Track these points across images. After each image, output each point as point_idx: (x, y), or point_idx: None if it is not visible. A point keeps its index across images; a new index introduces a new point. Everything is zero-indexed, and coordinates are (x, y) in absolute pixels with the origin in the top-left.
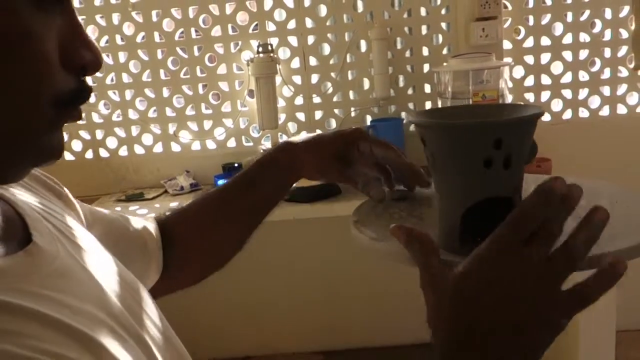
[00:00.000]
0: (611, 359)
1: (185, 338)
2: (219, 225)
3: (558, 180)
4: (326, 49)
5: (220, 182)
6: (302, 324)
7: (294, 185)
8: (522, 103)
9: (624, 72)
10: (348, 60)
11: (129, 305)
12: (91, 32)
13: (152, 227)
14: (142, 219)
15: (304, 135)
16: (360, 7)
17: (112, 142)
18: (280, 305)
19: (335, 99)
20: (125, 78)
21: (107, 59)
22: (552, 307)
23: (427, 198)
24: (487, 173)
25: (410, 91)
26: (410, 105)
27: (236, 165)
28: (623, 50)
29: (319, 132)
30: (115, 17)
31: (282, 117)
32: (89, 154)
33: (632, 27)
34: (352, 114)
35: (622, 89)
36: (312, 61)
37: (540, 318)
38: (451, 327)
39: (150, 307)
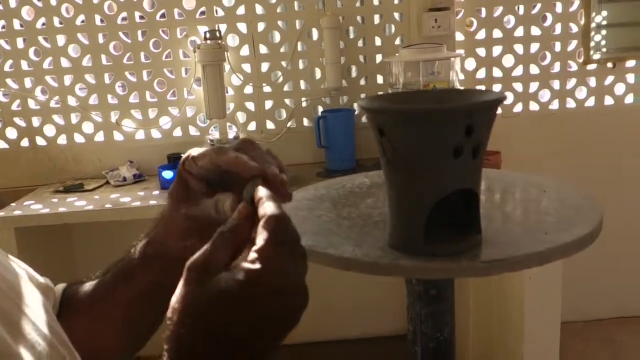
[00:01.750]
0: (556, 349)
1: None
2: (91, 329)
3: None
4: (276, 36)
5: (165, 172)
6: None
7: None
8: (474, 88)
9: (573, 67)
10: (299, 48)
11: (4, 313)
12: (26, 13)
13: (56, 294)
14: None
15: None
16: None
17: (49, 130)
18: None
19: (285, 88)
20: (64, 62)
21: (44, 43)
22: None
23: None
24: (456, 163)
25: (362, 82)
26: (363, 96)
27: (182, 155)
28: (573, 45)
29: None
30: None
31: (230, 106)
32: (25, 142)
33: (582, 22)
34: (303, 104)
35: (571, 83)
36: (262, 49)
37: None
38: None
39: (35, 313)
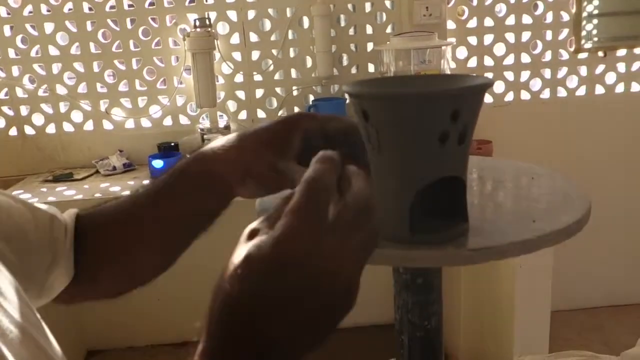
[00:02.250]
0: (546, 338)
1: (123, 323)
2: (130, 245)
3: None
4: (267, 24)
5: (155, 162)
6: None
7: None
8: (462, 74)
9: (564, 55)
10: (290, 37)
11: None
12: (13, 0)
13: (67, 220)
14: (59, 211)
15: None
16: None
17: (38, 119)
18: None
19: (276, 77)
20: (52, 50)
21: (31, 30)
22: (355, 289)
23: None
24: (442, 149)
25: (354, 70)
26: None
27: (172, 144)
28: (564, 33)
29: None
30: None
31: (221, 94)
32: (13, 131)
33: (573, 10)
34: (294, 93)
35: (562, 71)
36: (253, 37)
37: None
38: (225, 315)
39: (5, 299)
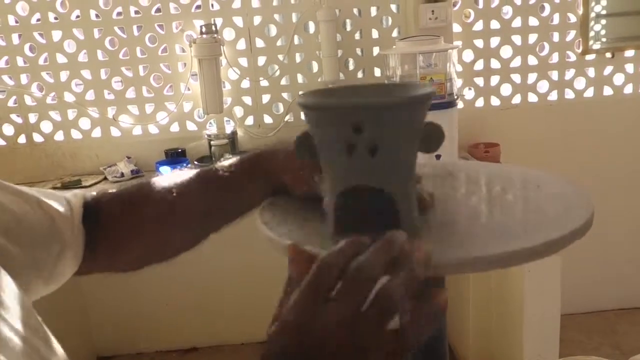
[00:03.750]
0: (556, 341)
1: (132, 329)
2: (167, 223)
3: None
4: (273, 30)
5: (163, 168)
6: (251, 315)
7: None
8: (421, 83)
9: (572, 57)
10: (296, 42)
11: None
12: (21, 8)
13: (72, 205)
14: (64, 196)
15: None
16: None
17: (46, 127)
18: (228, 295)
19: (282, 82)
20: (60, 58)
21: (39, 38)
22: (373, 348)
23: None
24: (350, 160)
25: (360, 74)
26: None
27: (179, 150)
28: (571, 35)
29: None
30: None
31: (227, 100)
32: (22, 139)
33: (580, 12)
34: None
35: (570, 73)
36: (259, 43)
37: None
38: None
39: (9, 309)
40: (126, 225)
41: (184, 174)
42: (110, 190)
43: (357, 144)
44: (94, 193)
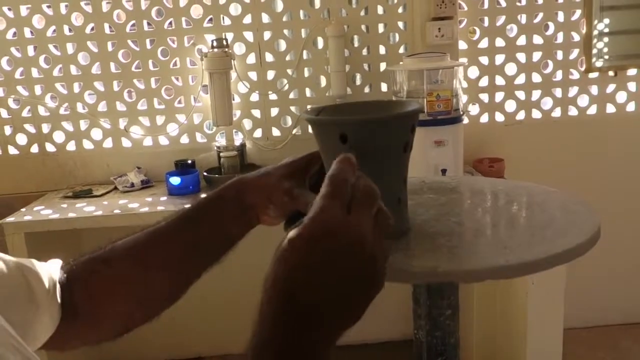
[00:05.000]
0: (558, 355)
1: (138, 338)
2: (148, 272)
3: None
4: (282, 45)
5: (172, 179)
6: None
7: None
8: (412, 101)
9: (575, 75)
10: (304, 57)
11: None
12: (37, 21)
13: (50, 272)
14: (47, 263)
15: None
16: (317, 3)
17: (59, 137)
18: (233, 304)
19: (291, 95)
20: (74, 70)
21: (54, 50)
22: (380, 273)
23: None
24: None
25: (367, 89)
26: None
27: (189, 161)
28: (575, 53)
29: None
30: (63, 7)
31: (237, 113)
32: (34, 149)
33: (584, 31)
34: None
35: (573, 91)
36: (268, 57)
37: (369, 288)
38: (271, 292)
39: None
40: (102, 283)
41: (157, 222)
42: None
43: (344, 152)
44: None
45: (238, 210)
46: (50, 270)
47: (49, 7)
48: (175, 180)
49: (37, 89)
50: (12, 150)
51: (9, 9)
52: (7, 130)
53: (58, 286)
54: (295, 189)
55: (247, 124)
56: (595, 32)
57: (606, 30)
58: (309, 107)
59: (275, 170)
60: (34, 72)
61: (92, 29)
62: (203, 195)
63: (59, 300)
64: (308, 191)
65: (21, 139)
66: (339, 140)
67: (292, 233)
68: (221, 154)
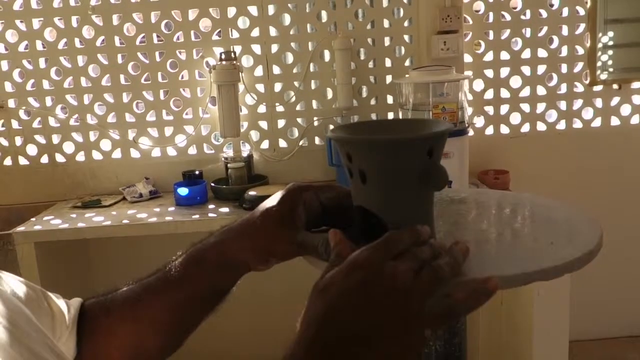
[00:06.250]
0: None
1: None
2: (139, 326)
3: (424, 229)
4: (289, 57)
5: (180, 189)
6: (260, 336)
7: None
8: (446, 122)
9: (579, 88)
10: (311, 69)
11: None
12: (49, 34)
13: (71, 304)
14: (63, 300)
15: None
16: (324, 17)
17: (69, 147)
18: (237, 316)
19: (298, 107)
20: (84, 82)
21: (65, 62)
22: (415, 319)
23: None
24: (351, 181)
25: (373, 102)
26: (373, 116)
27: (197, 172)
28: (579, 67)
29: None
30: (75, 20)
31: (244, 125)
32: (45, 159)
33: (588, 44)
34: (315, 124)
35: (577, 103)
36: (276, 70)
37: (403, 329)
38: (303, 328)
39: None
40: (101, 330)
41: (156, 270)
42: (101, 296)
43: (352, 169)
44: (92, 298)
45: (225, 270)
46: (72, 305)
47: (60, 20)
48: (183, 191)
49: (48, 100)
50: (22, 161)
51: (21, 22)
52: (18, 141)
53: (76, 324)
54: (297, 235)
55: (255, 135)
56: (600, 45)
57: (610, 43)
58: (337, 121)
59: (262, 221)
60: (45, 84)
61: (103, 41)
62: (180, 254)
63: (75, 336)
64: (308, 233)
65: (31, 150)
66: (346, 158)
67: (328, 274)
68: (229, 165)
